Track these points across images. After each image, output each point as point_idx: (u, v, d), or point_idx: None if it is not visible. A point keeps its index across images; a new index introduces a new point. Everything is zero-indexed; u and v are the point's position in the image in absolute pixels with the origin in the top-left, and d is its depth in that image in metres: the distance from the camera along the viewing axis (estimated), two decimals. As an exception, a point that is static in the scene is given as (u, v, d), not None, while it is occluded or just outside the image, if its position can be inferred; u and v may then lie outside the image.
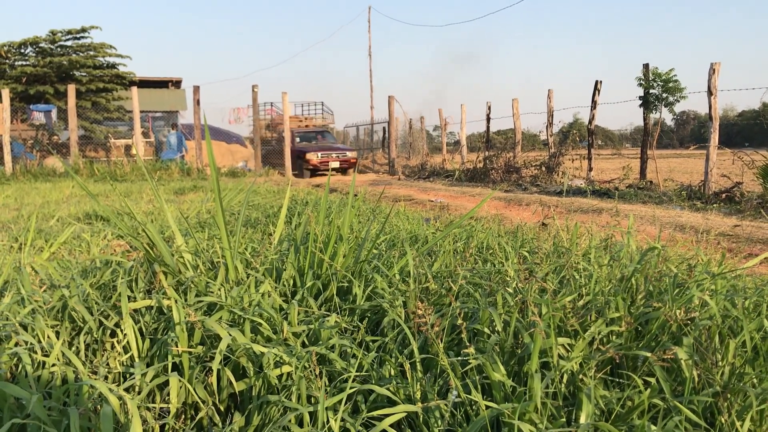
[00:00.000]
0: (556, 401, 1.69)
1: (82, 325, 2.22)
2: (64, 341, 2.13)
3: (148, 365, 2.02)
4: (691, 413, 1.58)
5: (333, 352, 1.96)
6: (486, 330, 1.98)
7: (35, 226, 4.90)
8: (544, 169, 14.56)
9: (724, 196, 9.34)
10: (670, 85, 11.67)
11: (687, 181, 11.54)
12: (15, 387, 1.60)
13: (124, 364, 2.09)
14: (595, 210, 7.88)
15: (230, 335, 1.86)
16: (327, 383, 1.89)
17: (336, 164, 20.22)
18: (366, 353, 1.96)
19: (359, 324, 2.20)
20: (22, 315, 2.17)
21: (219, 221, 2.58)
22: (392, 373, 1.88)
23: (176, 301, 2.00)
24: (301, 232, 2.91)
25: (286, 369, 1.85)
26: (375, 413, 1.64)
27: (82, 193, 10.08)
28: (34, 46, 21.91)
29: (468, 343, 1.78)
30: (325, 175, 19.86)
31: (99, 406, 1.68)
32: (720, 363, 1.80)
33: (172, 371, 1.92)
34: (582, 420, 1.54)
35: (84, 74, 21.90)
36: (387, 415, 1.60)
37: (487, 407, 1.58)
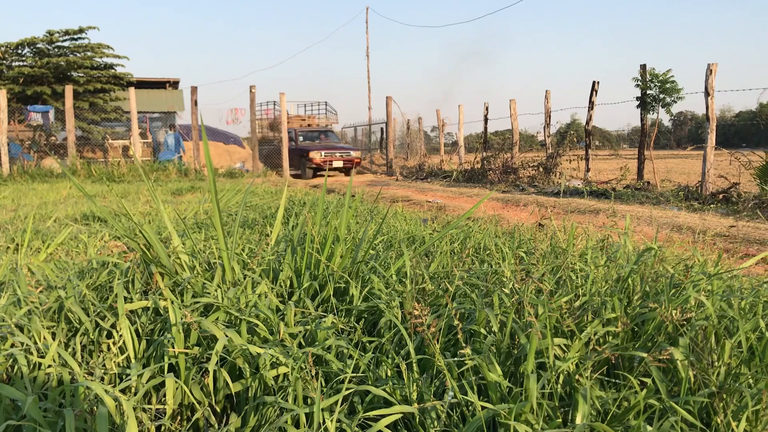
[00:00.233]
0: (552, 402, 1.69)
1: (78, 326, 2.21)
2: (60, 342, 2.13)
3: (144, 366, 2.02)
4: (687, 414, 1.59)
5: (329, 353, 1.96)
6: (482, 331, 1.98)
7: (32, 227, 4.89)
8: (541, 169, 14.57)
9: (721, 196, 9.35)
10: (668, 85, 11.70)
11: (684, 182, 11.57)
12: (10, 388, 1.60)
13: (121, 365, 2.09)
14: (592, 211, 7.89)
15: (227, 336, 1.86)
16: (323, 384, 1.89)
17: (340, 164, 20.05)
18: (362, 354, 1.96)
19: (356, 325, 2.20)
20: (18, 316, 2.16)
21: (216, 222, 2.58)
22: (389, 373, 1.88)
23: (173, 302, 2.00)
24: (298, 233, 2.91)
25: (282, 370, 1.85)
26: (371, 414, 1.64)
27: (80, 194, 10.07)
28: (32, 47, 21.87)
29: (464, 344, 1.78)
30: (330, 174, 19.84)
31: (95, 408, 1.68)
32: (716, 363, 1.80)
33: (168, 372, 1.92)
34: (578, 420, 1.54)
35: (81, 75, 21.86)
36: (383, 416, 1.60)
37: (483, 408, 1.58)
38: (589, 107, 13.61)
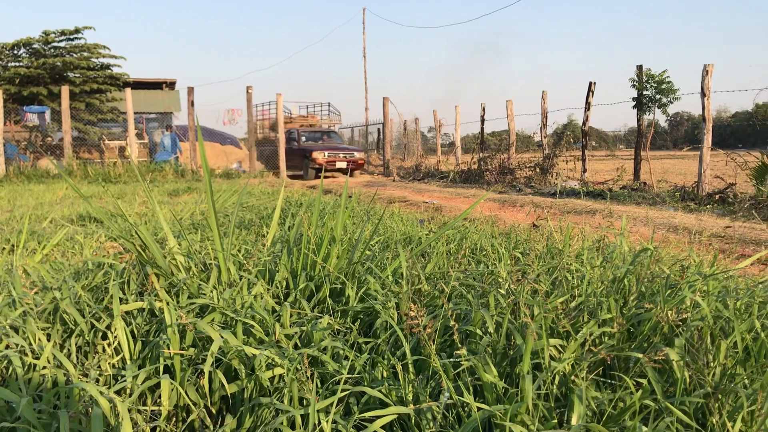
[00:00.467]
0: (548, 403, 1.69)
1: (73, 327, 2.21)
2: (55, 344, 2.12)
3: (139, 368, 2.01)
4: (682, 414, 1.59)
5: (325, 354, 1.96)
6: (478, 331, 1.98)
7: (28, 228, 4.88)
8: (538, 170, 14.59)
9: (717, 197, 9.37)
10: (664, 86, 11.72)
11: (680, 183, 11.59)
12: (4, 390, 1.59)
13: (116, 366, 2.08)
14: (589, 211, 7.90)
15: (222, 337, 1.86)
16: (319, 385, 1.88)
17: (343, 165, 19.71)
18: (358, 355, 1.96)
19: (352, 326, 2.20)
20: (13, 317, 2.16)
21: (211, 223, 2.57)
22: (384, 374, 1.88)
23: (168, 303, 2.00)
24: (294, 234, 2.91)
25: (278, 371, 1.85)
26: (367, 415, 1.64)
27: (76, 194, 10.04)
28: (27, 47, 21.81)
29: (460, 345, 1.78)
30: (333, 176, 19.72)
31: (90, 409, 1.67)
32: (711, 364, 1.81)
33: (163, 373, 1.92)
34: (573, 421, 1.54)
35: (77, 75, 21.81)
36: (379, 417, 1.60)
37: (479, 409, 1.58)
38: (585, 108, 13.63)
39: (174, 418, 1.89)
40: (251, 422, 1.77)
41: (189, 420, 1.84)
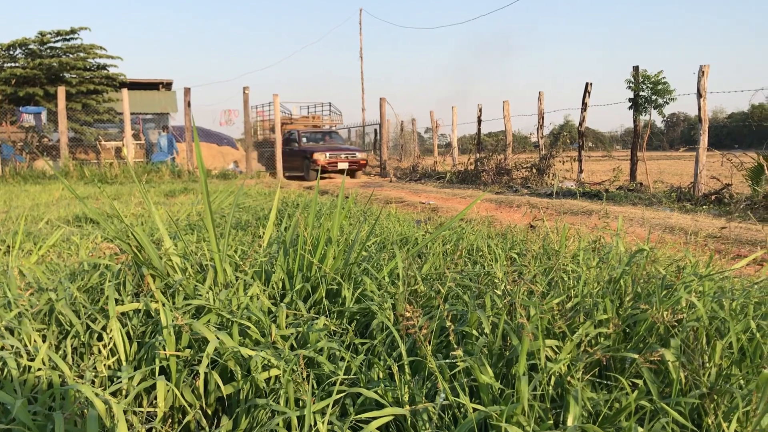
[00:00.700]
0: (544, 403, 1.69)
1: (69, 328, 2.20)
2: (50, 345, 2.11)
3: (135, 369, 2.01)
4: (678, 415, 1.59)
5: (321, 355, 1.96)
6: (474, 332, 1.98)
7: (24, 229, 4.87)
8: (534, 171, 14.60)
9: (713, 197, 9.40)
10: (660, 87, 11.74)
11: (677, 183, 11.61)
12: (-1, 392, 1.59)
13: (111, 367, 2.07)
14: (585, 212, 7.91)
15: (218, 338, 1.86)
16: (315, 386, 1.88)
17: (345, 165, 19.46)
18: (354, 356, 1.95)
19: (348, 327, 2.20)
20: (8, 318, 2.15)
21: (207, 224, 2.57)
22: (380, 375, 1.88)
23: (164, 305, 1.99)
24: (290, 235, 2.91)
25: (274, 372, 1.85)
26: (363, 416, 1.64)
27: (72, 195, 10.02)
28: (23, 48, 21.77)
29: (456, 346, 1.79)
30: (333, 177, 19.64)
31: (85, 411, 1.66)
32: (707, 364, 1.81)
33: (159, 375, 1.91)
34: (569, 422, 1.54)
35: (74, 76, 21.77)
36: (375, 418, 1.60)
37: (475, 410, 1.59)
38: (582, 108, 13.65)
39: (170, 420, 1.89)
40: (247, 423, 1.77)
41: (185, 421, 1.84)
